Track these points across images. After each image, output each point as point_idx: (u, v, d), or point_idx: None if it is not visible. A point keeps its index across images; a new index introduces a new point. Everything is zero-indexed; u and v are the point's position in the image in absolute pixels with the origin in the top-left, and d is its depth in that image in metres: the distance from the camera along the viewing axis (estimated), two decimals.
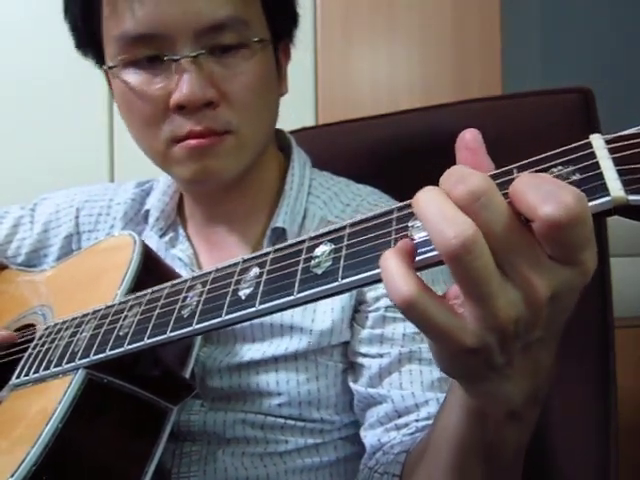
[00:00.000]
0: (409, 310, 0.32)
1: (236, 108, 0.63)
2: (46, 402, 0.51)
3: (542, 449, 0.73)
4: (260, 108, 0.66)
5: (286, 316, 0.65)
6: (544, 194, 0.29)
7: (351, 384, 0.66)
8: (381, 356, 0.64)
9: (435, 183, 0.36)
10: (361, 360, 0.65)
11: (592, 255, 0.32)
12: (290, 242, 0.42)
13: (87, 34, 0.67)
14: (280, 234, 0.69)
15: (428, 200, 0.32)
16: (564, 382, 0.72)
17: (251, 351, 0.66)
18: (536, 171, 0.33)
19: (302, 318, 0.65)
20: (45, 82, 1.45)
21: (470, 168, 0.32)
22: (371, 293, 0.66)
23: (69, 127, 1.46)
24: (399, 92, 1.44)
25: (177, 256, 0.73)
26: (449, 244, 0.30)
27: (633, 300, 1.38)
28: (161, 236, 0.75)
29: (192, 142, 0.62)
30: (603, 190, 0.30)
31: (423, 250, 0.34)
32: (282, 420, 0.65)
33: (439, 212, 0.31)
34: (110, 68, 0.65)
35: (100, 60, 0.68)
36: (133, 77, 0.63)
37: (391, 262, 0.33)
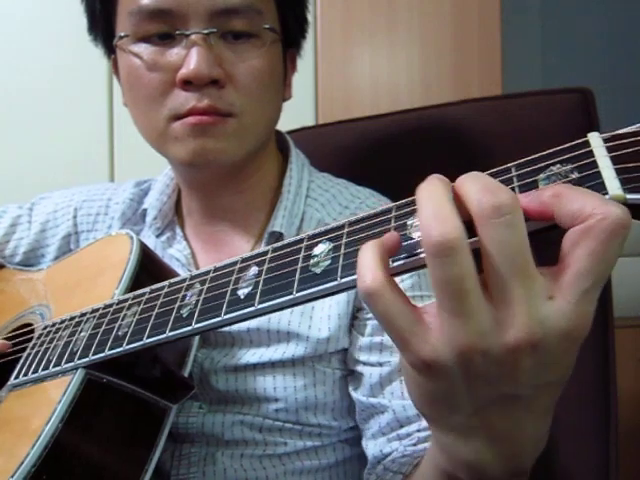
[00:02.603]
0: (369, 301, 0.32)
1: (241, 92, 0.63)
2: (45, 402, 0.51)
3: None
4: (264, 98, 0.66)
5: (283, 322, 0.65)
6: (595, 197, 0.28)
7: (352, 393, 0.66)
8: (381, 365, 0.63)
9: None
10: (361, 368, 0.65)
11: (597, 296, 0.30)
12: (289, 241, 0.42)
13: (102, 12, 0.67)
14: (277, 238, 0.68)
15: (429, 193, 0.31)
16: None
17: (248, 354, 0.66)
18: (534, 169, 0.33)
19: (299, 325, 0.65)
20: (45, 82, 1.45)
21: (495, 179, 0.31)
22: None
23: (69, 127, 1.46)
24: (399, 92, 1.44)
25: (174, 256, 0.72)
26: (430, 242, 0.29)
27: (633, 300, 1.38)
28: (158, 236, 0.75)
29: (193, 119, 0.62)
30: (601, 189, 0.30)
31: (419, 250, 0.33)
32: (280, 423, 0.65)
33: (434, 209, 0.30)
34: (121, 38, 0.64)
35: (109, 39, 0.68)
36: (143, 49, 0.63)
37: (366, 252, 0.33)
